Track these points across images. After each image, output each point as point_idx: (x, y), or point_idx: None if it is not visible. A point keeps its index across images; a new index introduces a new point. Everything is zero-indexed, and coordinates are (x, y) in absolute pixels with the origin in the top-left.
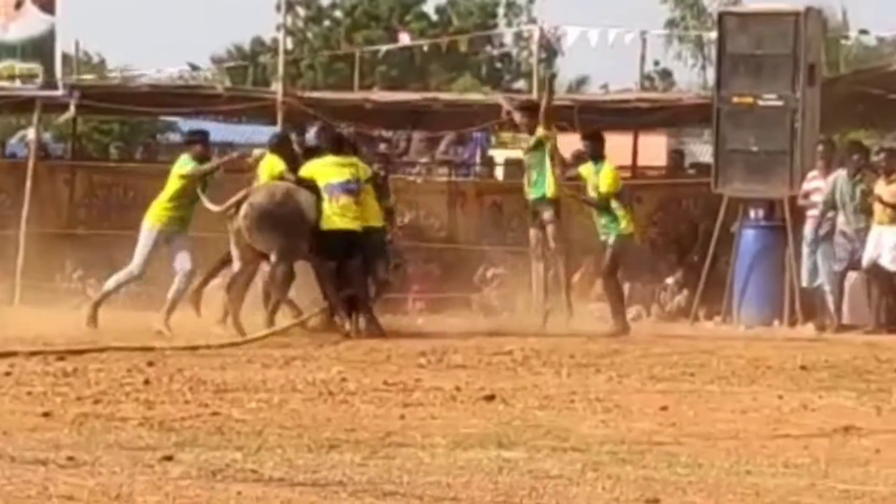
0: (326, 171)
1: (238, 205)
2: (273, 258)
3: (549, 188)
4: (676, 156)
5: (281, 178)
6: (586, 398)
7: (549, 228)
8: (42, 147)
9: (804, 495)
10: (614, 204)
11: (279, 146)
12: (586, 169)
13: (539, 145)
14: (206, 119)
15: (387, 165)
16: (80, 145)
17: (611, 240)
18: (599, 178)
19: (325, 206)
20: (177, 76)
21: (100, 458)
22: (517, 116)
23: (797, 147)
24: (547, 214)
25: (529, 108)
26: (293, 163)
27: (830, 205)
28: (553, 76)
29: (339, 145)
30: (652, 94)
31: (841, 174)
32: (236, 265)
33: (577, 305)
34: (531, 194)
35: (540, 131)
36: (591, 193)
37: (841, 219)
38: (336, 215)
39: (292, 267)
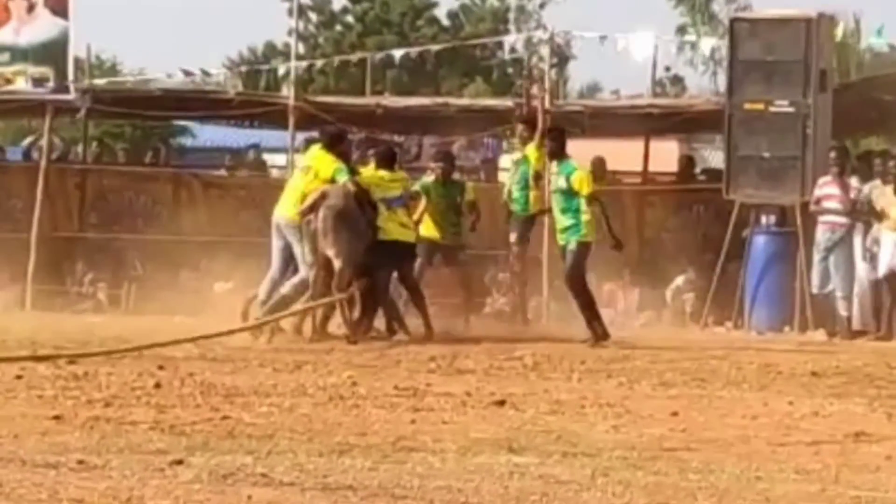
0: (383, 184)
1: (314, 207)
2: (338, 263)
3: (532, 205)
4: (687, 161)
5: (333, 179)
6: (597, 404)
7: (513, 250)
8: (61, 151)
9: (815, 501)
10: (584, 208)
11: (333, 143)
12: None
13: (525, 161)
14: (218, 123)
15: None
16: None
17: (571, 245)
18: (572, 182)
19: (384, 217)
20: (188, 80)
21: (110, 462)
22: (518, 128)
23: (809, 153)
24: (513, 236)
25: (529, 122)
26: (347, 163)
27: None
28: (540, 92)
29: (391, 161)
30: (663, 99)
31: (876, 183)
32: (304, 270)
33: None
34: (512, 206)
35: (530, 150)
36: (555, 192)
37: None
38: (395, 225)
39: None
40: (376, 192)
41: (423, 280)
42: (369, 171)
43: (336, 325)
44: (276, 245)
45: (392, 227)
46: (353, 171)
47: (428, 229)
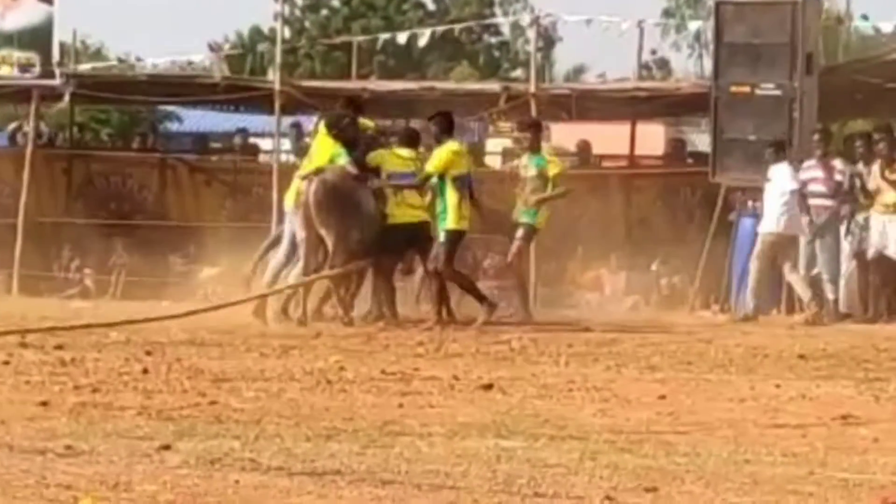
0: (392, 159)
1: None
2: (329, 241)
3: (539, 218)
4: (677, 144)
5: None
6: (584, 387)
7: (516, 245)
8: (49, 136)
9: (802, 484)
10: (449, 192)
11: (332, 126)
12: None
13: (542, 177)
14: (204, 108)
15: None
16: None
17: (441, 235)
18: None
19: (392, 201)
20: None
21: (98, 448)
22: (527, 136)
23: (795, 136)
24: (520, 232)
25: (535, 127)
26: (353, 147)
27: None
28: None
29: (410, 140)
30: (649, 83)
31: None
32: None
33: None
34: (520, 216)
35: (556, 168)
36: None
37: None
38: (402, 209)
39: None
40: (386, 167)
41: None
42: (382, 150)
43: (330, 304)
44: (285, 230)
45: (399, 211)
46: (357, 154)
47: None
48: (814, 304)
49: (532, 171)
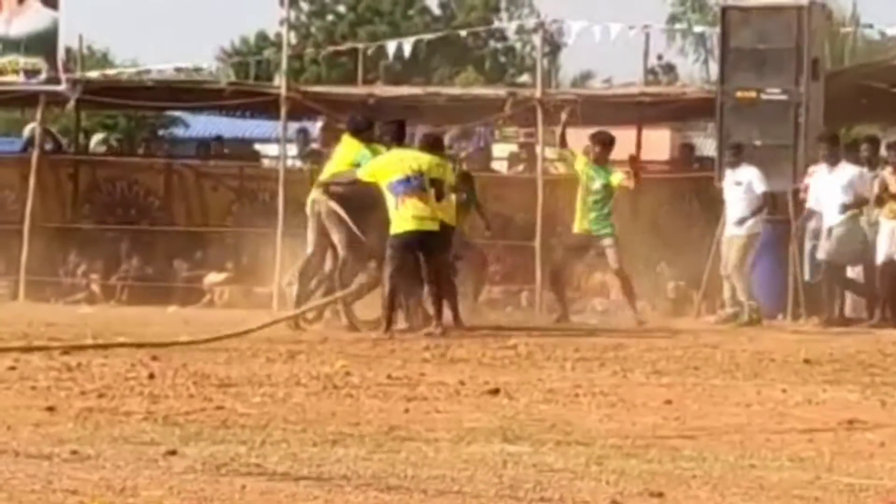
0: (390, 167)
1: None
2: (340, 251)
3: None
4: (686, 150)
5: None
6: (591, 392)
7: (614, 254)
8: (56, 141)
9: (808, 489)
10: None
11: (360, 130)
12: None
13: (608, 189)
14: (210, 114)
15: None
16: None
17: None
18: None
19: (392, 211)
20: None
21: (104, 453)
22: (597, 148)
23: (801, 141)
24: (608, 241)
25: (605, 143)
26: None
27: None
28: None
29: (431, 145)
30: (656, 88)
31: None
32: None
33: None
34: (595, 229)
35: (620, 178)
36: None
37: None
38: (402, 219)
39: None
40: (384, 178)
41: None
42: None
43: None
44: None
45: (398, 220)
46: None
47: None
48: (742, 307)
49: (598, 184)
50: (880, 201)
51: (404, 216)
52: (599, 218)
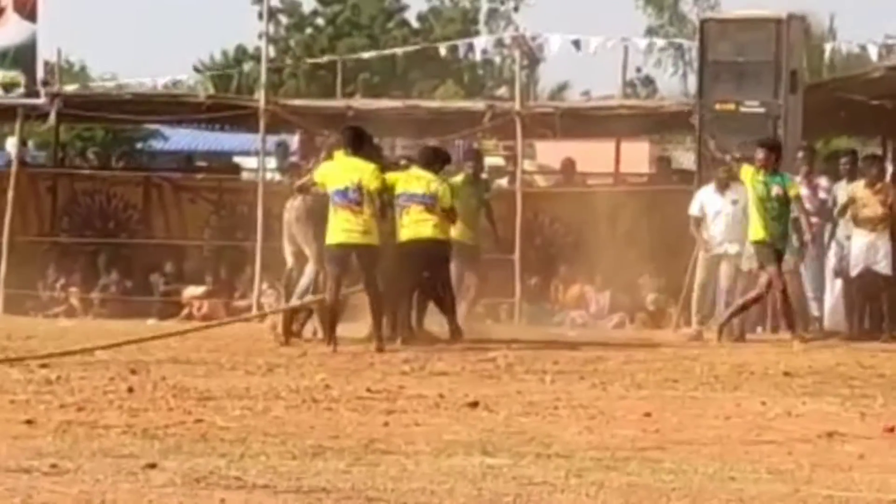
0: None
1: (302, 190)
2: (310, 259)
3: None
4: (663, 163)
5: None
6: (570, 405)
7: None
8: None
9: (788, 501)
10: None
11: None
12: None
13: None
14: (189, 127)
15: None
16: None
17: None
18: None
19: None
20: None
21: (83, 466)
22: (760, 153)
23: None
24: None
25: (777, 148)
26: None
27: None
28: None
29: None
30: (634, 100)
31: (859, 184)
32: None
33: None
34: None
35: (795, 190)
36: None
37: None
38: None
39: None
40: (401, 186)
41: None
42: (399, 172)
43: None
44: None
45: (330, 231)
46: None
47: (457, 230)
48: (698, 323)
49: (775, 191)
50: (843, 211)
51: (335, 228)
52: (782, 231)
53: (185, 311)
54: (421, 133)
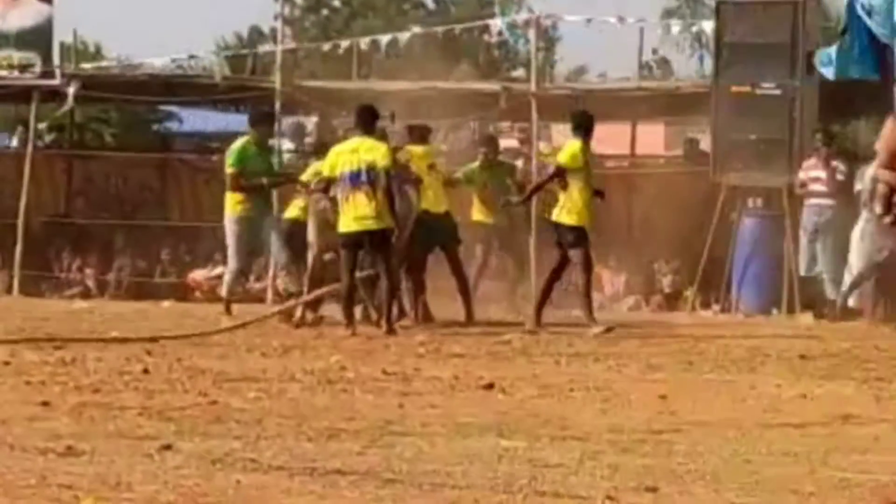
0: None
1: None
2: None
3: None
4: (692, 144)
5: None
6: (585, 387)
7: None
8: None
9: (803, 483)
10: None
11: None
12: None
13: None
14: (205, 108)
15: None
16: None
17: None
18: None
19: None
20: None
21: (98, 447)
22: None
23: (795, 136)
24: None
25: None
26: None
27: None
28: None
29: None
30: (650, 82)
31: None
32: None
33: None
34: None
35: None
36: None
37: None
38: (346, 218)
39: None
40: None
41: (488, 266)
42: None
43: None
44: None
45: (343, 219)
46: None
47: (478, 213)
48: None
49: None
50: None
51: (347, 216)
52: None
53: (202, 293)
54: (436, 114)
